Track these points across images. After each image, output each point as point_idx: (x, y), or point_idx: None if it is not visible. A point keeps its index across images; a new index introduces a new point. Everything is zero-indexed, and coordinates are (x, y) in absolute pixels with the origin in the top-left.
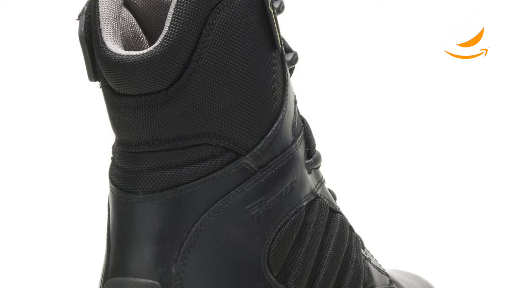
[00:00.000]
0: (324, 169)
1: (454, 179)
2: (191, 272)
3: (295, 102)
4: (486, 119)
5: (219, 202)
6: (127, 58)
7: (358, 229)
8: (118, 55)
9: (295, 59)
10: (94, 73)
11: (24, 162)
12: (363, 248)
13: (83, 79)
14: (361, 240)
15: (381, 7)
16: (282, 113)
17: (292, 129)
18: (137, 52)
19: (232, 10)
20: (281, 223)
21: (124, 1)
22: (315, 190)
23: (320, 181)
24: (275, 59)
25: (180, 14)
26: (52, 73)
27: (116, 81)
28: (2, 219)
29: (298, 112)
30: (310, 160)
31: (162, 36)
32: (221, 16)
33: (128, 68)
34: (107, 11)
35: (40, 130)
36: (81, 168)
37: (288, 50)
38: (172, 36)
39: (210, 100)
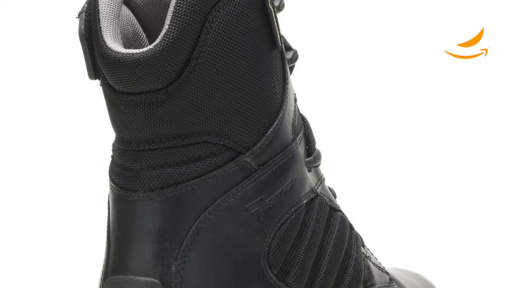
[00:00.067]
0: (324, 167)
1: (454, 177)
2: (191, 270)
3: (295, 100)
4: (486, 119)
5: (219, 200)
6: (127, 56)
7: (358, 227)
8: (118, 53)
9: (295, 57)
10: (94, 71)
11: (24, 160)
12: (363, 246)
13: (83, 77)
14: (361, 238)
15: (381, 7)
16: (282, 111)
17: (292, 127)
18: (137, 50)
19: (232, 8)
20: (281, 221)
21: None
22: (315, 188)
23: (320, 179)
24: (275, 57)
25: (180, 12)
26: (52, 71)
27: (116, 79)
28: (2, 218)
29: (298, 110)
30: (310, 158)
31: (162, 34)
32: (221, 14)
33: (128, 66)
34: (107, 9)
35: (40, 128)
36: (81, 166)
37: (288, 48)
38: (172, 34)
39: (210, 98)
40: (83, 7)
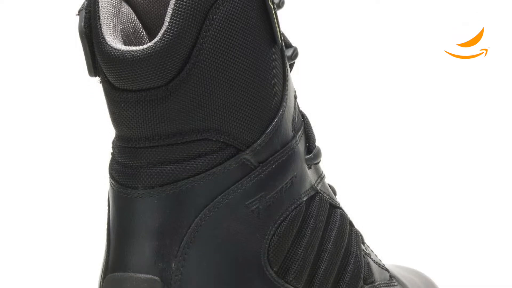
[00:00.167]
0: (324, 164)
1: (454, 176)
2: (191, 267)
3: (295, 97)
4: (486, 119)
5: (219, 197)
6: (127, 54)
7: (358, 225)
8: (118, 50)
9: (295, 54)
10: (94, 69)
11: (24, 158)
12: (363, 243)
13: (83, 75)
14: (361, 235)
15: (381, 7)
16: (282, 108)
17: (292, 125)
18: (137, 48)
19: (232, 5)
20: (281, 218)
21: None
22: (315, 185)
23: (320, 176)
24: (275, 54)
25: (180, 9)
26: (52, 69)
27: (116, 76)
28: (1, 216)
29: (298, 108)
30: (310, 155)
31: (162, 31)
32: (221, 11)
33: (128, 63)
34: (107, 6)
35: (40, 126)
36: (81, 164)
37: (288, 45)
38: (172, 31)
39: (210, 95)
40: (83, 4)
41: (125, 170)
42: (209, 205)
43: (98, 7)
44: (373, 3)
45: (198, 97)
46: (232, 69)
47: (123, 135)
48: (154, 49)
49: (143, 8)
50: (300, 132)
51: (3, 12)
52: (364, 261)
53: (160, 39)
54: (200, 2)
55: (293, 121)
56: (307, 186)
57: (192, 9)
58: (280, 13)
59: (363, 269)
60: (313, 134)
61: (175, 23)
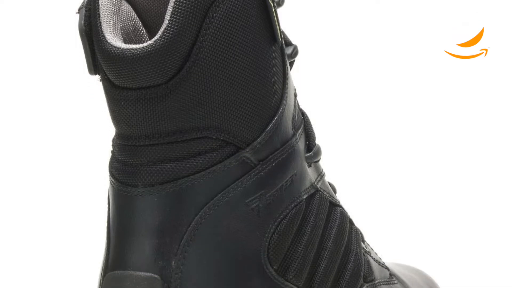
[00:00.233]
0: (324, 163)
1: (453, 175)
2: (191, 265)
3: (295, 95)
4: (486, 119)
5: (219, 195)
6: (127, 52)
7: (358, 223)
8: (118, 48)
9: (295, 53)
10: (94, 67)
11: (24, 156)
12: (363, 241)
13: (83, 73)
14: (361, 233)
15: (381, 7)
16: (282, 106)
17: (292, 123)
18: (137, 46)
19: (232, 3)
20: (281, 216)
21: None
22: (315, 183)
23: (320, 174)
24: (275, 52)
25: (180, 7)
26: (52, 67)
27: (116, 74)
28: (1, 213)
29: (298, 106)
30: (310, 153)
31: (162, 29)
32: (221, 9)
33: (128, 61)
34: (107, 5)
35: (41, 124)
36: (81, 162)
37: (288, 43)
38: (172, 29)
39: (210, 93)
40: (83, 2)
41: (125, 168)
42: (209, 203)
43: (98, 5)
44: (373, 3)
45: (198, 95)
46: (232, 67)
47: (123, 133)
48: (154, 47)
49: (143, 6)
50: (300, 130)
51: (3, 10)
52: (364, 259)
53: (160, 37)
54: (200, 0)
55: (293, 119)
56: (307, 184)
57: (192, 7)
58: (280, 11)
59: (363, 267)
60: (313, 132)
61: (175, 21)
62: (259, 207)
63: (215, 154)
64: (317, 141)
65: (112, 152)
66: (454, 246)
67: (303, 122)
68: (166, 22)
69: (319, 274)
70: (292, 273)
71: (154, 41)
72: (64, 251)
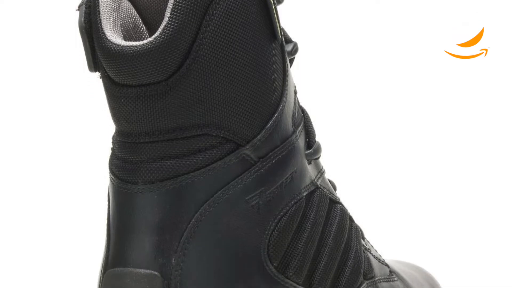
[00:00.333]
0: (324, 160)
1: (453, 174)
2: (191, 262)
3: (295, 92)
4: (486, 119)
5: (219, 192)
6: (127, 49)
7: (358, 220)
8: (118, 45)
9: (295, 50)
10: (94, 64)
11: (25, 153)
12: (363, 238)
13: (83, 70)
14: (361, 230)
15: (381, 7)
16: (282, 103)
17: (292, 120)
18: (137, 43)
19: (232, 0)
20: (281, 213)
21: None
22: (315, 180)
23: (320, 171)
24: (275, 49)
25: (180, 4)
26: (52, 64)
27: (116, 71)
28: (1, 211)
29: (298, 103)
30: (310, 150)
31: (162, 26)
32: (221, 6)
33: (128, 58)
34: (107, 2)
35: (41, 121)
36: (81, 159)
37: (288, 40)
38: (172, 26)
39: (210, 90)
40: None
41: (125, 165)
42: (209, 200)
43: (98, 2)
44: (373, 2)
45: (198, 92)
46: (232, 64)
47: (123, 130)
48: (154, 44)
49: (143, 3)
50: (300, 127)
51: (3, 8)
52: (364, 256)
53: (160, 34)
54: None
55: (293, 116)
56: (307, 181)
57: (192, 4)
58: (280, 8)
59: (363, 264)
60: (313, 129)
61: (175, 18)
62: (259, 204)
63: (215, 151)
64: (317, 138)
65: (112, 149)
66: (454, 243)
67: (303, 119)
68: (166, 19)
69: (319, 271)
70: (292, 270)
71: (154, 38)
72: (64, 248)
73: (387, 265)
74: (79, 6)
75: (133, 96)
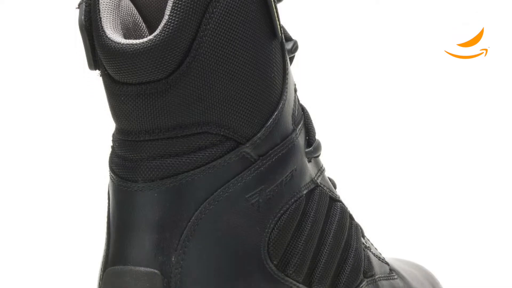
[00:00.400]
0: (324, 158)
1: (453, 173)
2: (191, 260)
3: (295, 90)
4: (486, 119)
5: (219, 190)
6: (127, 47)
7: (358, 218)
8: (118, 43)
9: (295, 48)
10: (94, 62)
11: (24, 152)
12: (363, 236)
13: (83, 68)
14: (361, 228)
15: (381, 7)
16: (282, 101)
17: (292, 118)
18: (137, 41)
19: None
20: (281, 211)
21: None
22: (315, 178)
23: (320, 169)
24: (275, 47)
25: (180, 2)
26: (52, 62)
27: (116, 69)
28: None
29: (298, 101)
30: (310, 148)
31: (162, 24)
32: (221, 4)
33: (128, 56)
34: (107, 0)
35: (40, 120)
36: (81, 157)
37: (288, 38)
38: (172, 24)
39: (210, 88)
40: None
41: (125, 164)
42: (209, 199)
43: (98, 0)
44: (373, 2)
45: (198, 90)
46: (232, 63)
47: (123, 128)
48: (154, 42)
49: (143, 1)
50: (300, 126)
51: (4, 6)
52: (364, 255)
53: (160, 32)
54: None
55: (293, 114)
56: (307, 179)
57: (192, 3)
58: (280, 6)
59: (363, 263)
60: (313, 127)
61: (175, 16)
62: (259, 202)
63: (215, 149)
64: (317, 136)
65: (112, 147)
66: (454, 241)
67: (303, 117)
68: (166, 17)
69: (319, 270)
70: (292, 269)
71: (154, 36)
72: (64, 246)
73: (387, 263)
74: (79, 4)
75: (133, 94)
